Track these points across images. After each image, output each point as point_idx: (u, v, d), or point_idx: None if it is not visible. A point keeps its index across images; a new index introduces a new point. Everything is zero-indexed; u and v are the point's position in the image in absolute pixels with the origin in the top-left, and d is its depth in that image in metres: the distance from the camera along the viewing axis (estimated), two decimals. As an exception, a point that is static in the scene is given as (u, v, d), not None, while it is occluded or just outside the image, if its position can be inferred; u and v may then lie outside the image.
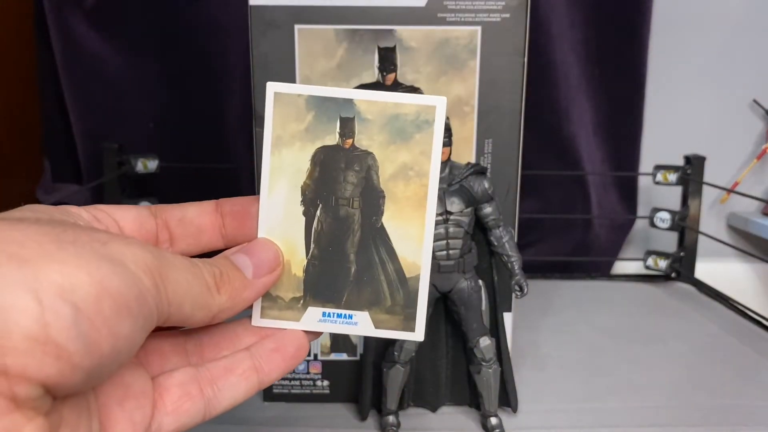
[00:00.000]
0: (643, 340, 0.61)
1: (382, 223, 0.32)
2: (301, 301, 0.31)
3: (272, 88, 0.32)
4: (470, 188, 0.42)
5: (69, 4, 0.76)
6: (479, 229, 0.44)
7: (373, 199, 0.32)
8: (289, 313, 0.31)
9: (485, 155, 0.45)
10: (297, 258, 0.32)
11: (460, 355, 0.46)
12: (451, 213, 0.41)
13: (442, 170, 0.42)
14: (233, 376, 0.28)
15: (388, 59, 0.44)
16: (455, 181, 0.42)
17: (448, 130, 0.41)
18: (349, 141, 0.32)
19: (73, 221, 0.24)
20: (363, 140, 0.32)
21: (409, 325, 0.32)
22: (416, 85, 0.44)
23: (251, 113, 0.45)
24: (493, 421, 0.44)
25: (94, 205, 0.27)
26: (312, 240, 0.32)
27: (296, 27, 0.43)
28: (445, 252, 0.42)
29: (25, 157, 0.81)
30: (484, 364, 0.44)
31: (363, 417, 0.46)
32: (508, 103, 0.45)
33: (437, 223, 0.41)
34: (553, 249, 0.85)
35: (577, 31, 0.80)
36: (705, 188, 0.77)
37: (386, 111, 0.32)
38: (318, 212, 0.32)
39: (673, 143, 0.83)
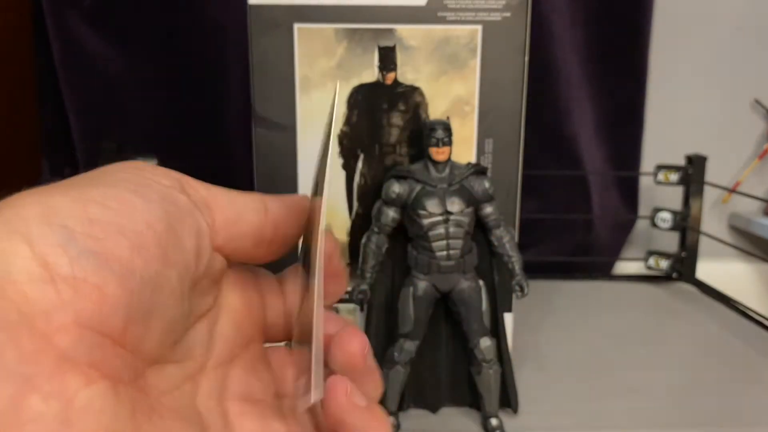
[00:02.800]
0: (644, 341, 0.61)
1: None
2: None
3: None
4: (471, 188, 0.42)
5: (68, 3, 0.76)
6: (480, 229, 0.44)
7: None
8: None
9: (486, 155, 0.45)
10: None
11: (460, 356, 0.46)
12: (451, 213, 0.41)
13: (441, 170, 0.42)
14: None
15: (388, 58, 0.44)
16: (455, 181, 0.42)
17: (448, 130, 0.41)
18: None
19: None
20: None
21: None
22: (416, 84, 0.44)
23: (250, 113, 0.44)
24: (494, 421, 0.44)
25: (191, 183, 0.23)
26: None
27: (296, 26, 0.43)
28: (445, 252, 0.42)
29: (23, 156, 0.80)
30: (484, 364, 0.43)
31: (363, 418, 0.46)
32: (508, 102, 0.44)
33: (438, 223, 0.41)
34: (554, 249, 0.85)
35: (578, 30, 0.80)
36: (706, 188, 0.77)
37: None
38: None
39: (674, 143, 0.82)
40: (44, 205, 0.17)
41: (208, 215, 0.21)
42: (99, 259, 0.17)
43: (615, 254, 0.87)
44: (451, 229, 0.41)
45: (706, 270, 0.78)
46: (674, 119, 0.87)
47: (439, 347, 0.46)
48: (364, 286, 0.43)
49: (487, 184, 0.42)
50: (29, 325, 0.15)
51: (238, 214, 0.22)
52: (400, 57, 0.44)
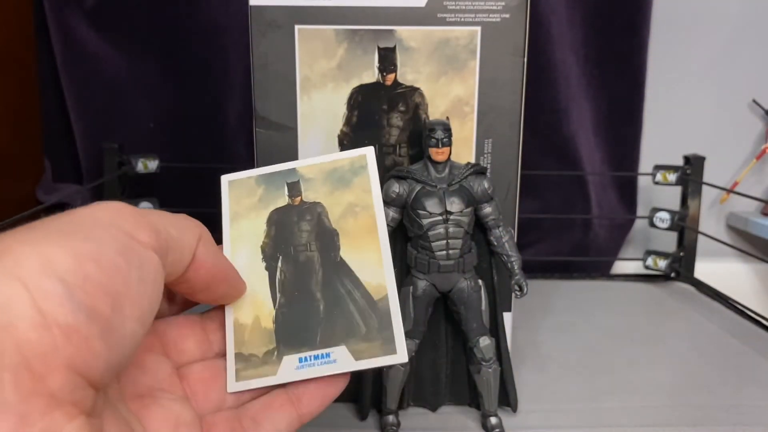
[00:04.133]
0: (643, 340, 0.61)
1: (341, 257, 0.33)
2: (275, 353, 0.31)
3: (226, 179, 0.36)
4: (470, 188, 0.42)
5: (69, 4, 0.76)
6: (479, 229, 0.44)
7: (327, 238, 0.34)
8: (264, 369, 0.31)
9: (485, 155, 0.46)
10: (265, 311, 0.32)
11: (460, 355, 0.46)
12: (450, 213, 0.41)
13: (441, 170, 0.42)
14: (271, 410, 0.29)
15: (388, 59, 0.44)
16: (455, 181, 0.42)
17: (447, 130, 0.41)
18: (298, 199, 0.35)
19: None
20: (310, 195, 0.35)
21: (389, 347, 0.31)
22: (416, 85, 0.44)
23: (251, 113, 0.45)
24: (493, 420, 0.44)
25: None
26: (277, 290, 0.33)
27: (296, 27, 0.43)
28: (444, 252, 0.42)
29: (25, 157, 0.81)
30: (483, 363, 0.44)
31: (363, 417, 0.46)
32: (507, 103, 0.45)
33: (437, 223, 0.41)
34: (552, 249, 0.85)
35: (576, 31, 0.81)
36: (704, 188, 0.77)
37: (325, 168, 0.35)
38: (279, 263, 0.33)
39: (672, 143, 0.83)
40: (43, 257, 0.19)
41: (172, 266, 0.25)
42: (89, 313, 0.19)
43: (613, 254, 0.88)
44: (451, 229, 0.42)
45: (705, 269, 0.78)
46: (672, 119, 0.87)
47: (438, 346, 0.47)
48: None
49: (486, 184, 0.42)
50: (28, 366, 0.18)
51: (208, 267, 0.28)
52: (399, 58, 0.44)
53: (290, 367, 0.31)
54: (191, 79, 0.80)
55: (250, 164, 0.46)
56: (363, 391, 0.46)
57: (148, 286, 0.22)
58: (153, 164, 0.77)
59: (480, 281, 0.44)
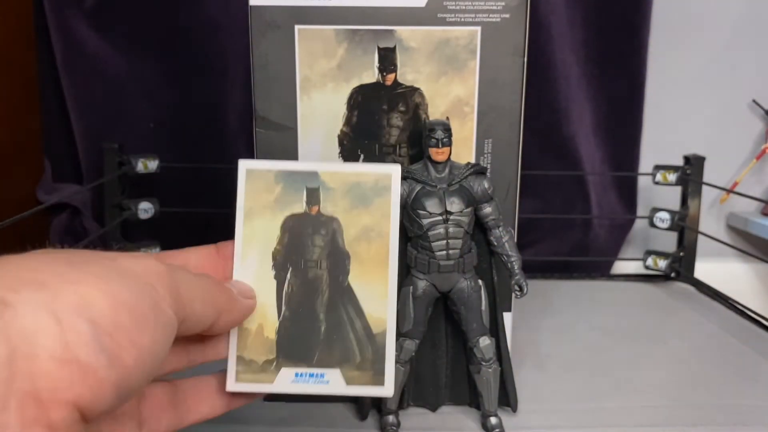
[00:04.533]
0: (643, 340, 0.61)
1: (348, 283, 0.34)
2: (274, 363, 0.33)
3: (244, 165, 0.34)
4: (470, 188, 0.42)
5: (69, 4, 0.76)
6: (479, 229, 0.44)
7: (339, 260, 0.34)
8: (263, 376, 0.32)
9: (485, 155, 0.46)
10: (269, 321, 0.33)
11: (460, 355, 0.46)
12: (450, 213, 0.41)
13: (441, 170, 0.42)
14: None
15: (387, 59, 0.44)
16: (455, 181, 0.42)
17: (448, 130, 0.41)
18: (315, 208, 0.34)
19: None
20: (328, 207, 0.34)
21: (378, 379, 0.33)
22: (416, 85, 0.44)
23: (251, 113, 0.45)
24: (493, 420, 0.44)
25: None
26: (283, 302, 0.33)
27: (296, 27, 0.43)
28: (444, 252, 0.42)
29: (25, 157, 0.81)
30: (483, 363, 0.44)
31: (363, 417, 0.46)
32: (507, 103, 0.45)
33: (437, 223, 0.41)
34: (552, 249, 0.85)
35: (576, 31, 0.81)
36: (704, 188, 0.77)
37: (348, 180, 0.35)
38: (288, 275, 0.33)
39: (672, 143, 0.83)
40: (81, 298, 0.20)
41: (182, 333, 0.26)
42: (112, 360, 0.20)
43: (613, 254, 0.88)
44: (451, 229, 0.42)
45: (704, 269, 0.78)
46: (672, 119, 0.87)
47: (438, 346, 0.47)
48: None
49: (486, 184, 0.42)
50: (36, 396, 0.18)
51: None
52: (399, 58, 0.44)
53: (286, 380, 0.32)
54: (191, 79, 0.80)
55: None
56: (363, 391, 0.46)
57: (165, 346, 0.23)
58: (153, 164, 0.77)
59: (480, 281, 0.44)
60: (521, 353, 0.56)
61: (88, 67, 0.78)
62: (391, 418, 0.45)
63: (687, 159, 0.77)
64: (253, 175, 0.34)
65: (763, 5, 0.85)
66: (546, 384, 0.52)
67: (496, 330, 0.45)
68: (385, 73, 0.44)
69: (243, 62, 0.76)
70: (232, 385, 0.32)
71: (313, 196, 0.34)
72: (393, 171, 0.35)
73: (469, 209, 0.42)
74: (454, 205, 0.42)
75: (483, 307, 0.44)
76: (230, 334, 0.32)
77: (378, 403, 0.46)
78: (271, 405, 0.49)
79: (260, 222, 0.34)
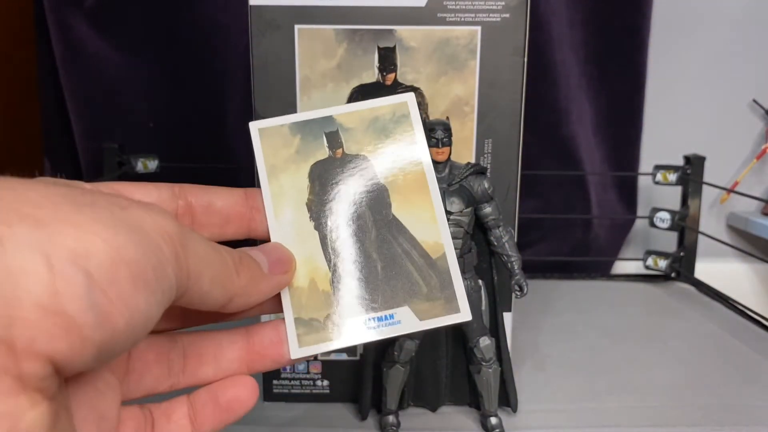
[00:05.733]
0: (643, 340, 0.61)
1: (393, 215, 0.32)
2: (338, 316, 0.30)
3: (255, 126, 0.33)
4: (470, 188, 0.42)
5: (69, 4, 0.76)
6: (479, 229, 0.44)
7: (377, 195, 0.32)
8: (327, 333, 0.30)
9: (485, 155, 0.46)
10: (320, 273, 0.31)
11: (460, 355, 0.46)
12: (451, 213, 0.41)
13: (441, 170, 0.42)
14: (169, 422, 0.27)
15: (387, 59, 0.44)
16: (455, 181, 0.42)
17: (448, 130, 0.41)
18: (339, 151, 0.33)
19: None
20: (352, 147, 0.33)
21: (451, 306, 0.30)
22: (416, 85, 0.44)
23: (251, 113, 0.45)
24: (493, 420, 0.44)
25: (110, 183, 0.25)
26: (330, 251, 0.31)
27: (296, 27, 0.43)
28: (445, 252, 0.42)
29: (25, 156, 0.81)
30: (483, 363, 0.44)
31: (363, 417, 0.46)
32: (508, 103, 0.45)
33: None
34: (552, 249, 0.85)
35: (576, 31, 0.81)
36: (705, 188, 0.77)
37: (365, 117, 0.33)
38: (328, 223, 0.32)
39: (672, 143, 0.83)
40: (80, 245, 0.18)
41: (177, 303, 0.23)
42: (100, 318, 0.18)
43: (614, 254, 0.88)
44: (451, 229, 0.42)
45: (705, 269, 0.78)
46: (673, 119, 0.87)
47: (438, 346, 0.47)
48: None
49: (486, 184, 0.42)
50: (10, 344, 0.16)
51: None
52: (399, 58, 0.44)
53: (354, 331, 0.30)
54: (191, 79, 0.80)
55: (250, 164, 0.46)
56: (363, 391, 0.46)
57: (159, 312, 0.21)
58: (153, 164, 0.77)
59: (480, 281, 0.44)
60: (521, 353, 0.56)
61: (88, 67, 0.78)
62: (391, 418, 0.45)
63: (687, 159, 0.77)
64: (266, 133, 0.33)
65: (763, 5, 0.85)
66: (546, 384, 0.52)
67: (496, 330, 0.45)
68: (385, 73, 0.44)
69: (243, 62, 0.76)
70: (295, 352, 0.29)
71: (333, 139, 0.33)
72: (408, 98, 0.33)
73: (469, 209, 0.42)
74: (454, 205, 0.42)
75: (483, 307, 0.44)
76: (282, 296, 0.30)
77: (378, 403, 0.46)
78: (271, 405, 0.49)
79: (286, 176, 0.32)
